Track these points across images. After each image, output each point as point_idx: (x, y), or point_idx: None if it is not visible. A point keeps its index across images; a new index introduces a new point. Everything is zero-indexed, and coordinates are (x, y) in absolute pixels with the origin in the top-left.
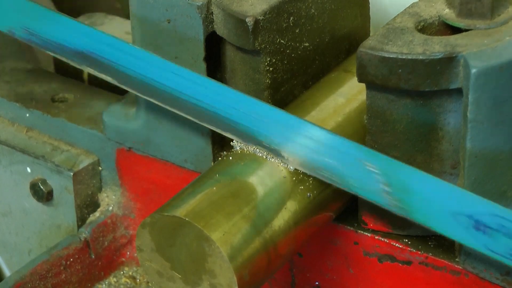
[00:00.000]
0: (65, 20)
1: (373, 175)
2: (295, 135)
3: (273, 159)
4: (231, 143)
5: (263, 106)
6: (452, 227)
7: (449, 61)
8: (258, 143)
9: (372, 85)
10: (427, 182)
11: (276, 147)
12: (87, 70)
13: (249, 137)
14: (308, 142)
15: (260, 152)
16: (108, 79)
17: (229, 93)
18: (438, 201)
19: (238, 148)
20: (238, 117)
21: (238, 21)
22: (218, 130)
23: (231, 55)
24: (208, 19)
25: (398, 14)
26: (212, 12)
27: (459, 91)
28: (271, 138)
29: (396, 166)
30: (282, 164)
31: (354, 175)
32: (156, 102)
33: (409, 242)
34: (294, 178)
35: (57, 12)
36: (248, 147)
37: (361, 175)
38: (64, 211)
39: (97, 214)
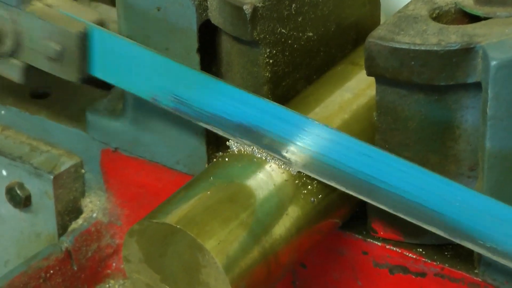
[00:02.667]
0: (223, 86)
1: None
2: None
3: (273, 161)
4: (227, 143)
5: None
6: None
7: (466, 53)
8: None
9: (382, 79)
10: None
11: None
12: (251, 147)
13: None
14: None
15: (259, 153)
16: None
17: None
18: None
19: (235, 148)
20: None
21: (235, 8)
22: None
23: (227, 47)
24: (202, 6)
25: (410, 1)
26: None
27: (477, 86)
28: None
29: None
30: (283, 166)
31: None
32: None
33: (423, 252)
34: (296, 181)
35: (213, 77)
36: (246, 147)
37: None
38: (44, 218)
39: (80, 221)
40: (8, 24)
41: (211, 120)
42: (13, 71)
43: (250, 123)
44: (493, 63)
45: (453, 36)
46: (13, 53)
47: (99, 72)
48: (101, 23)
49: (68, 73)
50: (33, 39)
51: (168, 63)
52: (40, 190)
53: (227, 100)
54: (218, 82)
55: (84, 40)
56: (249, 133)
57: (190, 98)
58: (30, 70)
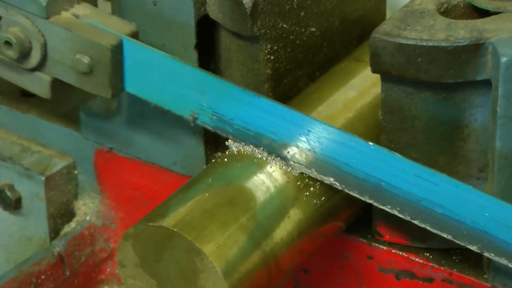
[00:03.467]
0: (263, 102)
1: None
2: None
3: (274, 161)
4: (226, 143)
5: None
6: None
7: (475, 49)
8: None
9: (387, 77)
10: None
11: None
12: (251, 147)
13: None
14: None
15: (259, 153)
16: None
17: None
18: None
19: (234, 148)
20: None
21: (235, 2)
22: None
23: (226, 42)
24: (200, 0)
25: None
26: None
27: (487, 83)
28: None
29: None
30: (284, 167)
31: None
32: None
33: (431, 256)
34: (298, 183)
35: (252, 92)
36: (246, 148)
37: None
38: (35, 221)
39: (72, 224)
40: (34, 36)
41: (254, 140)
42: (40, 86)
43: (254, 124)
44: (504, 59)
45: (462, 32)
46: (39, 67)
47: (133, 87)
48: (134, 35)
49: (99, 88)
50: (61, 52)
51: (207, 78)
52: (31, 192)
53: (270, 118)
54: (267, 101)
55: (116, 54)
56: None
57: (231, 115)
58: (57, 84)
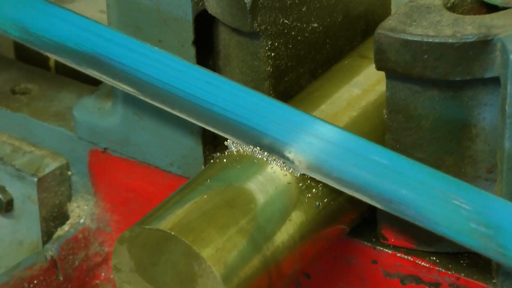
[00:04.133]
0: (70, 16)
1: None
2: (302, 133)
3: (275, 162)
4: (225, 143)
5: (264, 99)
6: None
7: (483, 45)
8: (258, 142)
9: (392, 74)
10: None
11: (279, 148)
12: (100, 77)
13: (247, 136)
14: (317, 142)
15: (259, 154)
16: (125, 88)
17: (224, 84)
18: None
19: (233, 149)
20: (234, 112)
21: None
22: (210, 127)
23: (225, 39)
24: None
25: None
26: None
27: (495, 81)
28: (273, 137)
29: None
30: (286, 167)
31: (374, 179)
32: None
33: (437, 261)
34: (300, 184)
35: (60, 6)
36: (246, 148)
37: (381, 178)
38: (27, 224)
39: (66, 227)
40: None
41: (56, 50)
42: None
43: (100, 54)
44: None
45: (470, 28)
46: None
47: None
48: None
49: None
50: None
51: None
52: (23, 194)
53: (71, 28)
54: (63, 11)
55: None
56: (99, 64)
57: (36, 28)
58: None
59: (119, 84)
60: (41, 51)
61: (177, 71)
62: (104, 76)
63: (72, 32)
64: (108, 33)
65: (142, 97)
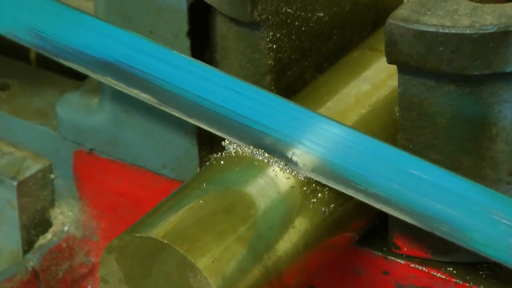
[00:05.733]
0: (86, 18)
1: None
2: (306, 133)
3: (277, 164)
4: (223, 143)
5: (265, 95)
6: None
7: (504, 37)
8: (258, 142)
9: (405, 68)
10: None
11: (281, 148)
12: (116, 85)
13: (246, 135)
14: (323, 142)
15: (260, 155)
16: (144, 96)
17: (220, 78)
18: None
19: (231, 149)
20: (232, 109)
21: None
22: (204, 125)
23: (223, 29)
24: None
25: None
26: None
27: None
28: (274, 137)
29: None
30: (288, 170)
31: (381, 182)
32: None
33: (454, 272)
34: (304, 189)
35: (75, 9)
36: (245, 148)
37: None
38: (6, 232)
39: (48, 236)
40: None
41: (71, 56)
42: None
43: (118, 60)
44: None
45: (489, 17)
46: None
47: None
48: None
49: None
50: None
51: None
52: (2, 199)
53: (86, 33)
54: (78, 13)
55: None
56: (115, 71)
57: (50, 32)
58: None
59: (140, 92)
60: (53, 57)
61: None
62: (122, 84)
63: (91, 38)
64: (130, 39)
65: (165, 108)
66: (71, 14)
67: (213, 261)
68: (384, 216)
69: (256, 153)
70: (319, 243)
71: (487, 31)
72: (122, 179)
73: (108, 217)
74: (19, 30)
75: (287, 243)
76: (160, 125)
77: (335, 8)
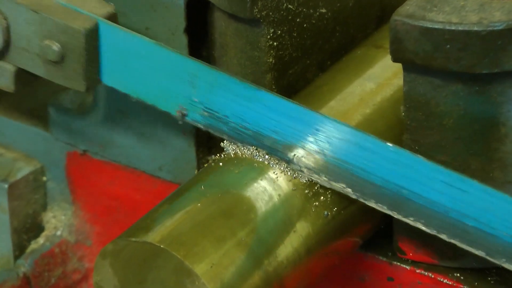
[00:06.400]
0: (281, 103)
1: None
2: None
3: (278, 166)
4: (222, 144)
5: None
6: None
7: None
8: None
9: (411, 66)
10: None
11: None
12: (250, 149)
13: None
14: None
15: (260, 156)
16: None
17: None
18: None
19: (230, 150)
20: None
21: None
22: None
23: (221, 26)
24: None
25: None
26: None
27: None
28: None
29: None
30: (290, 172)
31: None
32: None
33: (462, 278)
34: (306, 191)
35: (269, 92)
36: (245, 150)
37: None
38: None
39: (41, 240)
40: None
41: (254, 140)
42: (2, 77)
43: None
44: None
45: (498, 14)
46: (1, 55)
47: (111, 78)
48: (112, 17)
49: (72, 80)
50: (27, 37)
51: (198, 67)
52: None
53: (272, 115)
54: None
55: (91, 39)
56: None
57: (226, 111)
58: (23, 75)
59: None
60: (231, 141)
61: None
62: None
63: (272, 119)
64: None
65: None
66: (247, 90)
67: (211, 267)
68: (389, 220)
69: (256, 155)
70: (321, 248)
71: (495, 28)
72: (116, 181)
73: (103, 221)
74: (191, 108)
75: (288, 248)
76: (156, 126)
77: (338, 4)
